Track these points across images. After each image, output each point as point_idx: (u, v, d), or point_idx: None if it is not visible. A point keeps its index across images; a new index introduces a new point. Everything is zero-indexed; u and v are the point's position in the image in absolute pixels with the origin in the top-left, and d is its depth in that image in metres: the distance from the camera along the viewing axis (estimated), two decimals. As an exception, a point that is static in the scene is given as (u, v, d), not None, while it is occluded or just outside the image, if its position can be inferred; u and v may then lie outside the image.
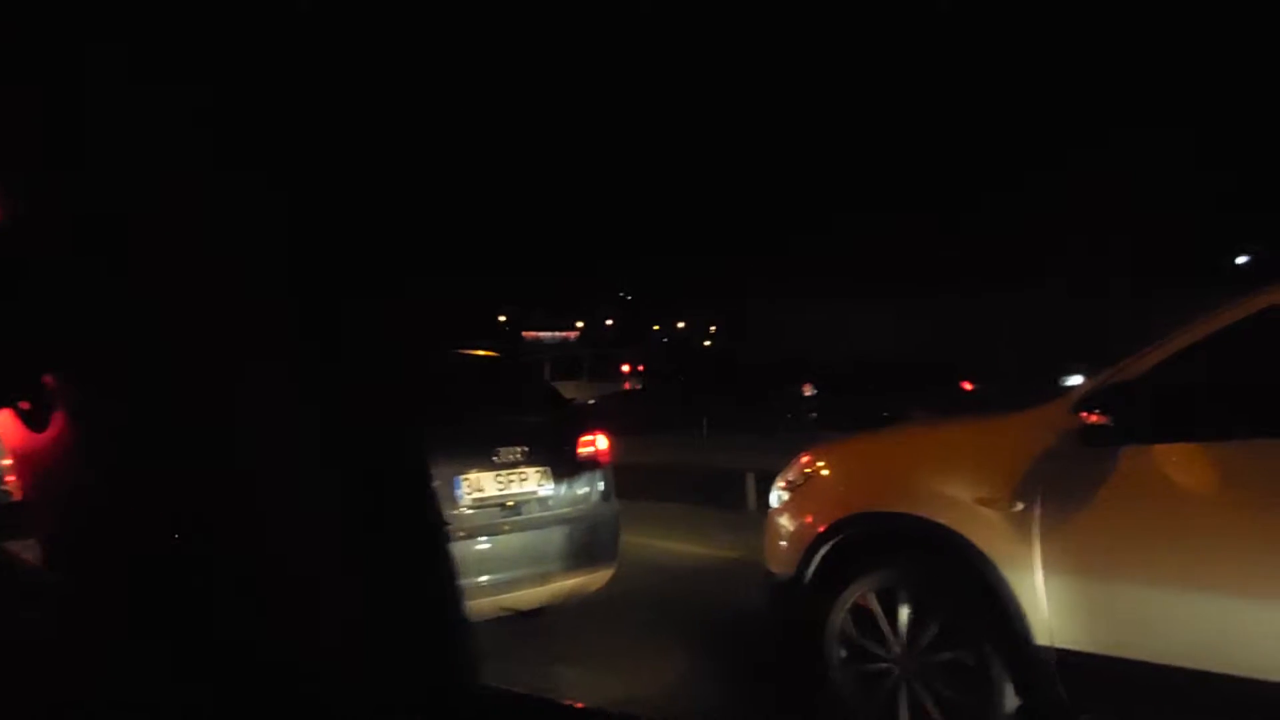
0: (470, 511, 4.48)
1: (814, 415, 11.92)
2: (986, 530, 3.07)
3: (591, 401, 11.65)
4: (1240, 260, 25.50)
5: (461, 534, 4.43)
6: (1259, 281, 2.85)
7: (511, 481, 4.66)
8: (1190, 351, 2.83)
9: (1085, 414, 2.88)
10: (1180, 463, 2.78)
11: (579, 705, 0.92)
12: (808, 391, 13.52)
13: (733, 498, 9.07)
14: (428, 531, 0.93)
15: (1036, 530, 2.95)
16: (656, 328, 62.29)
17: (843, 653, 3.51)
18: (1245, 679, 2.56)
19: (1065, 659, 2.92)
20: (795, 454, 4.01)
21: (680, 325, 62.00)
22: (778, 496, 3.94)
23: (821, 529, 3.58)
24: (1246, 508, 2.65)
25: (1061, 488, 2.93)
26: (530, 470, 4.74)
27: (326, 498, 0.84)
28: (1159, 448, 2.80)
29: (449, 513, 4.40)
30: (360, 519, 0.86)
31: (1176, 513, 2.74)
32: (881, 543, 3.48)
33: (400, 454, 0.93)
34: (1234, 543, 2.63)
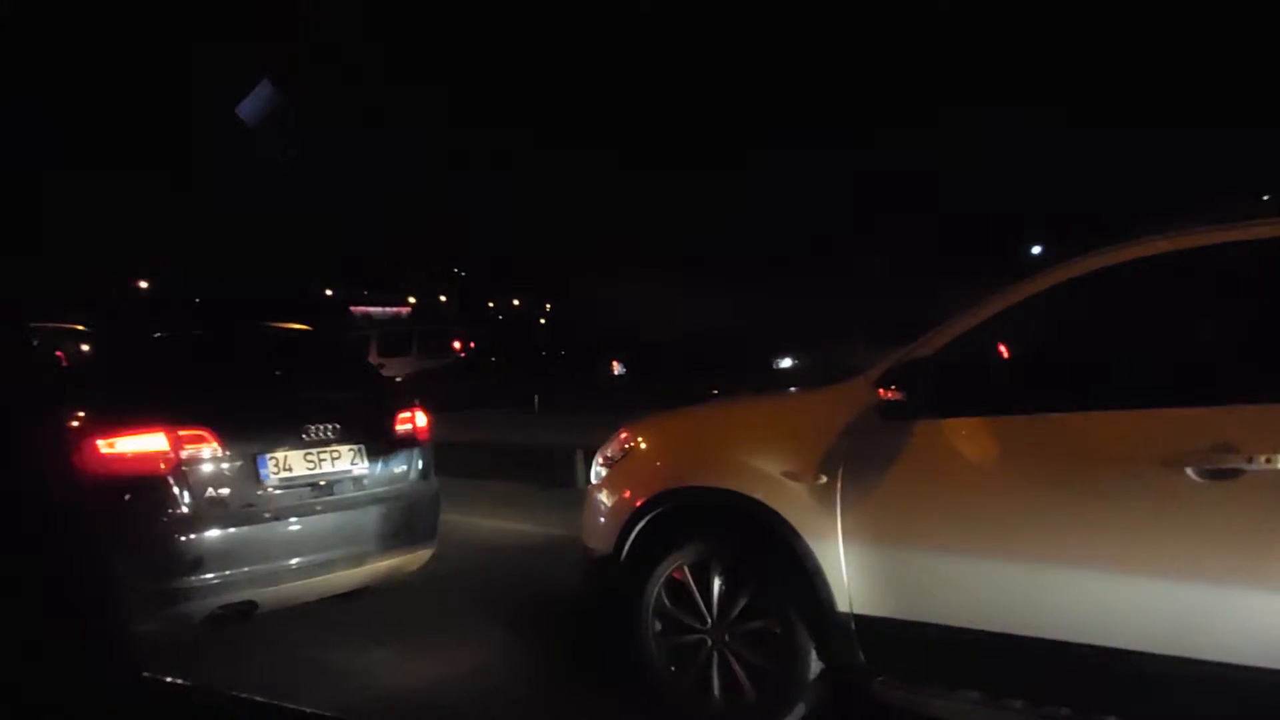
0: (278, 492, 4.26)
1: (621, 392, 12.04)
2: (793, 503, 3.16)
3: (398, 378, 11.26)
4: (1036, 250, 27.69)
5: (268, 515, 4.21)
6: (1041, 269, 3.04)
7: (323, 460, 4.46)
8: (979, 329, 2.99)
9: (883, 390, 3.01)
10: (969, 436, 2.94)
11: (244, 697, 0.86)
12: (616, 369, 13.62)
13: (562, 474, 9.04)
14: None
15: (838, 502, 3.06)
16: (492, 305, 61.59)
17: (658, 626, 3.55)
18: (1025, 637, 2.74)
19: (863, 624, 3.05)
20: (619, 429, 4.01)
21: (516, 303, 61.53)
22: (597, 472, 3.93)
23: (638, 504, 3.60)
24: (1028, 479, 2.82)
25: (861, 461, 3.05)
26: (343, 448, 4.54)
27: None
28: (950, 422, 2.95)
29: (254, 494, 4.17)
30: None
31: (964, 484, 2.90)
32: (696, 516, 3.53)
33: None
34: (1015, 511, 2.80)
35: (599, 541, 3.78)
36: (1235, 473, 2.42)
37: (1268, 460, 2.37)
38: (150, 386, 4.29)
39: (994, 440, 2.90)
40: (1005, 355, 3.05)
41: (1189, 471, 2.48)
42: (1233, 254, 2.63)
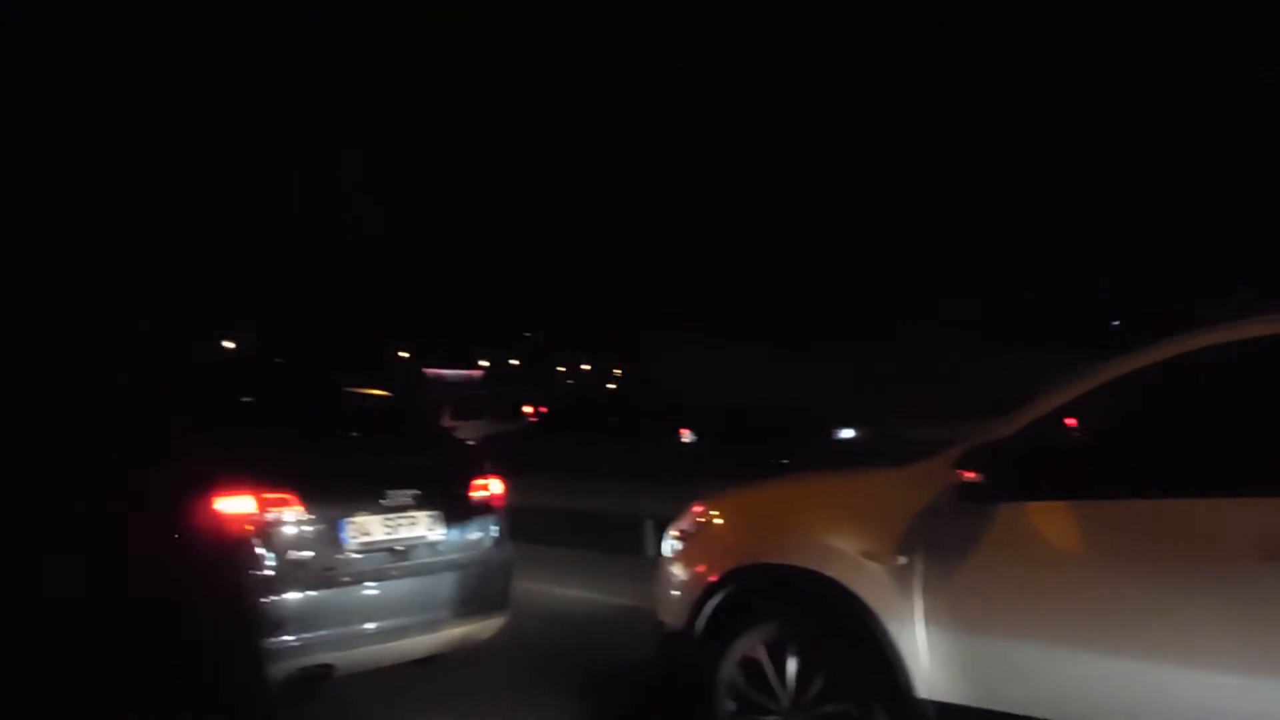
0: (356, 556, 4.33)
1: (691, 460, 11.81)
2: (871, 584, 3.11)
3: (472, 442, 11.34)
4: (1115, 324, 27.06)
5: (347, 579, 4.28)
6: (1127, 346, 2.98)
7: (400, 525, 4.53)
8: (1065, 409, 2.94)
9: (963, 471, 2.96)
10: (1053, 521, 2.87)
11: None
12: (685, 437, 13.45)
13: (630, 542, 9.01)
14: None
15: (918, 585, 3.00)
16: (562, 369, 62.23)
17: (732, 706, 3.49)
18: None
19: (944, 711, 2.96)
20: (692, 501, 4.01)
21: (585, 367, 62.08)
22: (671, 545, 3.93)
23: (713, 579, 3.58)
24: (1114, 567, 2.74)
25: (941, 543, 3.00)
26: (420, 514, 4.62)
27: None
28: (1032, 505, 2.89)
29: (334, 558, 4.25)
30: None
31: (1048, 570, 2.83)
32: (772, 594, 3.49)
33: None
34: (1100, 601, 2.72)
35: (672, 616, 3.76)
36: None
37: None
38: (239, 450, 4.43)
39: (1080, 526, 2.83)
40: (1089, 437, 2.99)
41: (1292, 565, 2.38)
42: None
